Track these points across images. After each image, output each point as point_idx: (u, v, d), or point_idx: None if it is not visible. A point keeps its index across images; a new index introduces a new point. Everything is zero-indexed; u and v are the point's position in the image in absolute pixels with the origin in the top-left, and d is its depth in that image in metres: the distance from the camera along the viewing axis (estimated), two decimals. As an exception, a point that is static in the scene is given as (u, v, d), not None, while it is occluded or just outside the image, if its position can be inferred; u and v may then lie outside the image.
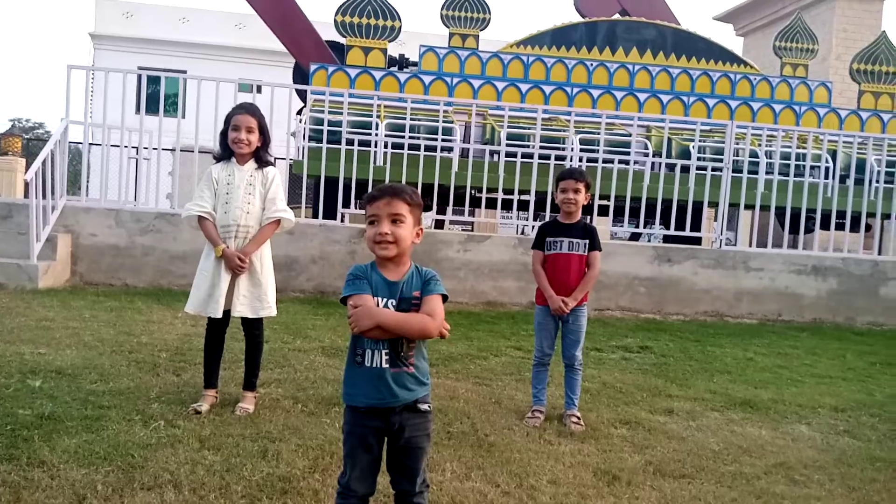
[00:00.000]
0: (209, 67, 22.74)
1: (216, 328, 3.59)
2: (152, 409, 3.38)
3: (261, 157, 3.60)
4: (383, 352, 2.03)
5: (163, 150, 8.15)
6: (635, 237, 10.96)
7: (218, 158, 3.63)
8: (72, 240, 7.63)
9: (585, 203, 3.66)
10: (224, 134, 3.56)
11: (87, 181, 8.36)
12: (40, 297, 6.44)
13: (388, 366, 2.02)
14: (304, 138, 8.44)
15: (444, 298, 2.08)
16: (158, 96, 8.65)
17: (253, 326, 3.60)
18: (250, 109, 3.54)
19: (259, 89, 8.94)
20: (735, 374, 5.22)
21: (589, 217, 8.13)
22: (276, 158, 10.38)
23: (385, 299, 2.04)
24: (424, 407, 2.09)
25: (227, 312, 3.52)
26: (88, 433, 2.99)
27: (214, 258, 3.48)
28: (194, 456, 2.84)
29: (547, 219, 8.61)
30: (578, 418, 3.69)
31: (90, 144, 8.14)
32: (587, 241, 3.67)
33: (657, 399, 4.35)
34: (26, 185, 6.96)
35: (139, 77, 8.18)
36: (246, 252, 3.48)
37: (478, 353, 5.29)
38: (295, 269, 7.80)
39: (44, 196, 7.39)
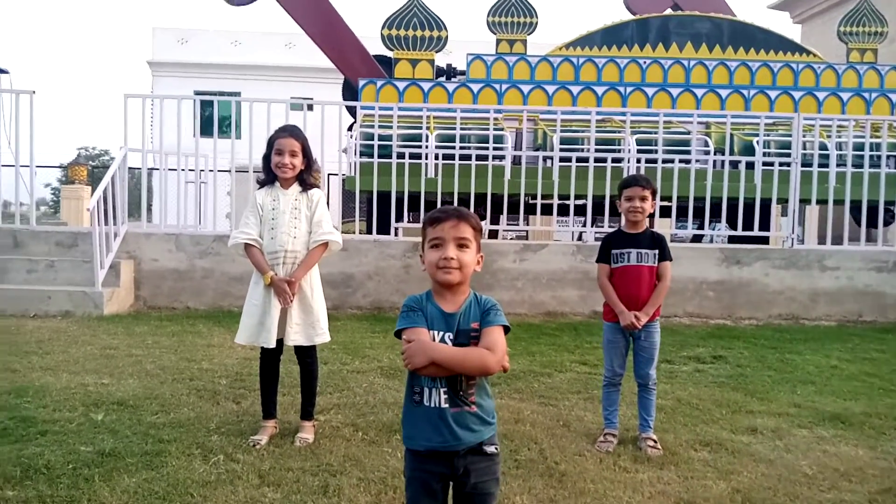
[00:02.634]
0: (262, 87, 23.24)
1: (270, 358, 3.50)
2: (212, 442, 3.31)
3: (305, 180, 3.51)
4: (441, 390, 1.87)
5: (219, 171, 8.21)
6: (697, 238, 10.55)
7: (262, 183, 3.55)
8: (134, 265, 7.77)
9: (651, 211, 3.44)
10: (267, 158, 3.49)
11: (149, 206, 8.51)
12: (105, 323, 6.54)
13: (447, 405, 1.87)
14: (355, 154, 8.40)
15: (506, 330, 1.92)
16: (213, 119, 8.76)
17: (306, 354, 3.51)
18: (293, 132, 3.46)
19: (310, 108, 8.95)
20: (820, 385, 4.88)
21: (649, 220, 7.83)
22: (329, 175, 10.36)
23: (441, 332, 1.88)
24: (491, 449, 1.92)
25: (279, 341, 3.43)
26: (148, 470, 2.93)
27: (263, 286, 3.40)
28: (254, 494, 2.74)
29: (605, 224, 8.41)
30: (655, 441, 3.46)
31: (149, 169, 8.27)
32: (657, 252, 3.45)
33: (738, 416, 4.07)
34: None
35: (195, 101, 8.32)
36: (295, 278, 3.39)
37: (541, 369, 5.09)
38: (351, 286, 7.75)
39: (106, 223, 7.58)
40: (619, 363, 3.55)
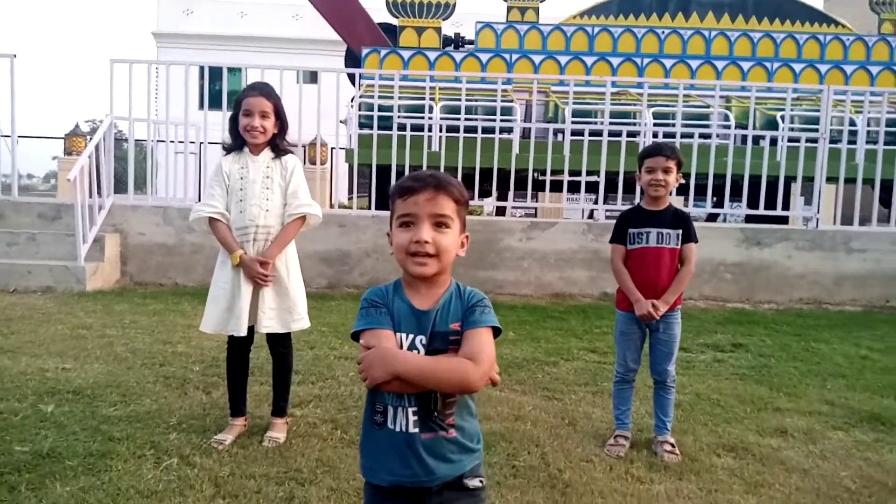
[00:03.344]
0: (269, 59, 22.63)
1: (239, 348, 3.09)
2: (168, 442, 2.92)
3: (278, 145, 3.07)
4: (410, 410, 1.45)
5: (210, 143, 7.80)
6: (711, 218, 10.07)
7: (228, 149, 3.12)
8: (120, 239, 7.40)
9: (676, 185, 2.98)
10: (234, 120, 3.05)
11: (137, 179, 8.11)
12: (85, 300, 6.18)
13: (417, 429, 1.44)
14: (355, 125, 7.94)
15: (496, 333, 1.48)
16: (214, 91, 8.30)
17: (280, 343, 3.09)
18: (264, 90, 3.01)
19: (314, 77, 8.47)
20: (851, 379, 4.43)
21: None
22: (332, 149, 9.82)
23: (411, 336, 1.46)
24: (474, 483, 1.50)
25: (250, 328, 3.01)
26: (88, 476, 2.54)
27: (231, 267, 2.98)
28: (205, 507, 2.35)
29: (617, 202, 7.92)
30: (673, 446, 3.04)
31: (154, 141, 7.84)
32: (680, 232, 3.00)
33: (764, 415, 3.65)
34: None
35: (200, 70, 7.86)
36: (268, 257, 2.97)
37: (546, 357, 4.67)
38: (348, 264, 7.34)
39: (93, 195, 7.19)
40: (633, 357, 3.11)
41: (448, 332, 1.45)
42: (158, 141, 8.09)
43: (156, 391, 3.62)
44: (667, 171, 2.93)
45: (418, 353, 1.44)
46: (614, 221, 3.18)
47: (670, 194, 3.10)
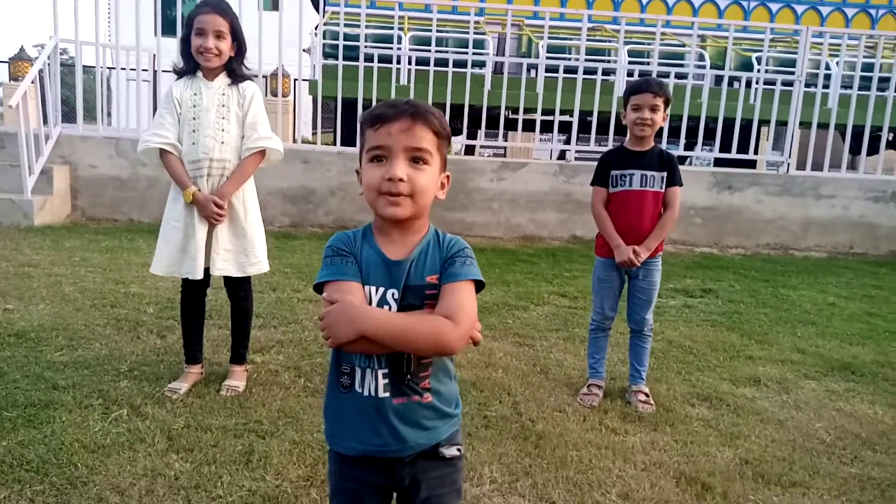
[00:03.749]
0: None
1: (195, 291, 2.87)
2: (118, 390, 2.73)
3: (234, 70, 2.79)
4: (380, 372, 1.28)
5: (164, 72, 7.33)
6: (681, 161, 9.97)
7: (179, 73, 2.83)
8: (70, 172, 7.00)
9: (662, 124, 2.81)
10: (186, 40, 2.75)
11: (88, 108, 7.63)
12: (33, 235, 5.86)
13: (388, 394, 1.28)
14: (319, 55, 7.54)
15: (479, 287, 1.30)
16: (171, 17, 7.74)
17: (238, 287, 2.88)
18: (218, 7, 2.71)
19: (276, 4, 7.97)
20: (820, 326, 4.43)
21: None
22: (294, 80, 9.31)
23: (382, 289, 1.27)
24: (451, 451, 1.35)
25: (206, 271, 2.79)
26: (28, 429, 2.35)
27: (184, 204, 2.74)
28: (156, 463, 2.19)
29: (590, 143, 7.70)
30: (647, 396, 2.96)
31: (104, 68, 7.32)
32: (665, 174, 2.84)
33: (736, 363, 3.60)
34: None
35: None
36: (223, 194, 2.73)
37: (516, 301, 4.56)
38: (312, 202, 7.08)
39: (45, 124, 6.76)
40: (610, 305, 3.00)
41: (424, 286, 1.27)
42: (109, 68, 7.58)
43: (106, 335, 3.41)
44: (654, 109, 2.75)
45: (389, 309, 1.26)
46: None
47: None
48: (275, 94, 8.85)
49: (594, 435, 2.64)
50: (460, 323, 1.22)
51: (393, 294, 1.27)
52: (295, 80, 9.72)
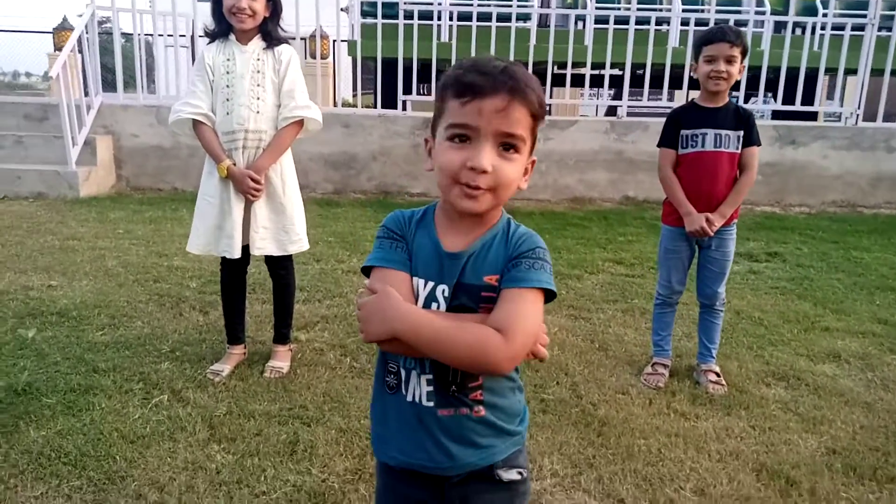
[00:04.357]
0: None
1: (234, 270, 2.73)
2: (160, 373, 2.63)
3: (270, 32, 2.59)
4: (423, 377, 1.10)
5: (201, 37, 7.18)
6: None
7: (212, 36, 2.64)
8: (113, 142, 6.96)
9: (738, 77, 2.52)
10: (217, 0, 2.56)
11: (128, 76, 7.55)
12: (79, 207, 5.85)
13: (432, 403, 1.09)
14: (357, 14, 7.28)
15: (549, 297, 1.08)
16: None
17: (279, 265, 2.72)
18: None
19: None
20: (901, 292, 4.10)
21: (687, 93, 6.80)
22: (333, 41, 9.06)
23: (431, 283, 1.08)
24: (511, 475, 1.14)
25: (245, 248, 2.65)
26: (67, 417, 2.26)
27: (219, 178, 2.58)
28: (197, 455, 2.07)
29: (643, 98, 7.30)
30: (718, 375, 2.74)
31: (141, 35, 7.23)
32: (741, 133, 2.56)
33: (812, 336, 3.33)
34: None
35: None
36: (259, 168, 2.56)
37: (569, 270, 4.34)
38: (354, 168, 6.91)
39: (86, 94, 6.71)
40: (678, 278, 2.75)
41: (480, 287, 1.07)
42: (147, 35, 7.47)
43: (148, 312, 3.32)
44: (730, 60, 2.45)
45: (437, 307, 1.07)
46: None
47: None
48: (314, 57, 8.66)
49: (662, 420, 2.44)
50: (513, 339, 1.00)
51: (444, 291, 1.07)
52: (334, 41, 9.52)
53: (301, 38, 7.17)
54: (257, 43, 2.61)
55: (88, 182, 6.53)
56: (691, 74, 2.65)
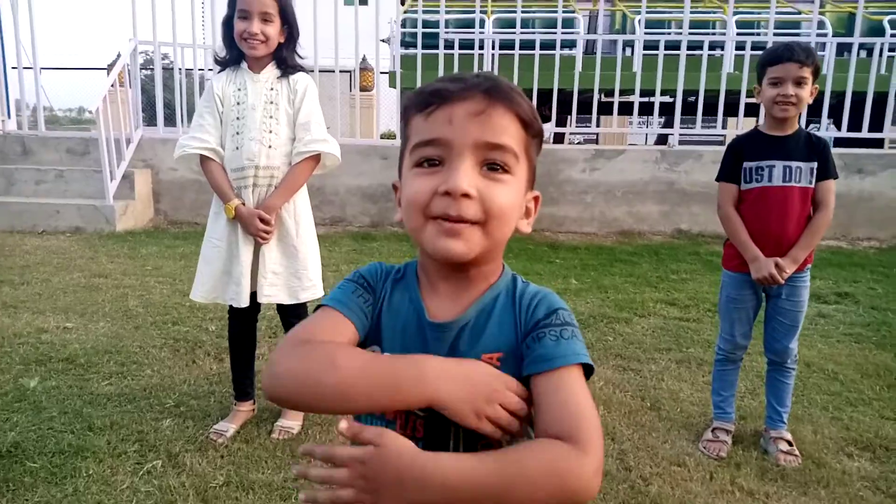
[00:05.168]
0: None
1: (243, 320, 2.50)
2: (159, 432, 2.40)
3: (285, 59, 2.38)
4: None
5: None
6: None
7: (222, 64, 2.45)
8: (151, 175, 6.93)
9: (810, 101, 2.19)
10: (229, 23, 2.36)
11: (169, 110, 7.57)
12: (113, 242, 5.77)
13: None
14: (397, 44, 7.15)
15: (588, 372, 0.79)
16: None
17: (292, 314, 2.47)
18: None
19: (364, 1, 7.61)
20: None
21: (737, 121, 6.40)
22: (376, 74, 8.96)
23: None
24: None
25: (254, 295, 2.41)
26: (48, 485, 2.03)
27: (227, 220, 2.36)
28: (183, 539, 1.81)
29: (696, 126, 6.91)
30: (790, 444, 2.36)
31: (182, 69, 7.24)
32: (815, 165, 2.22)
33: (898, 394, 2.91)
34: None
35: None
36: (270, 208, 2.33)
37: (616, 312, 3.99)
38: (392, 200, 6.66)
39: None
40: (742, 332, 2.40)
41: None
42: (187, 69, 7.48)
43: (160, 359, 3.11)
44: (799, 82, 2.13)
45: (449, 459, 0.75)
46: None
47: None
48: (361, 90, 8.57)
49: (725, 501, 2.08)
50: (589, 444, 0.71)
51: None
52: (376, 72, 9.43)
53: (342, 71, 7.06)
54: (271, 71, 2.40)
55: (126, 216, 6.49)
56: (755, 99, 2.33)
